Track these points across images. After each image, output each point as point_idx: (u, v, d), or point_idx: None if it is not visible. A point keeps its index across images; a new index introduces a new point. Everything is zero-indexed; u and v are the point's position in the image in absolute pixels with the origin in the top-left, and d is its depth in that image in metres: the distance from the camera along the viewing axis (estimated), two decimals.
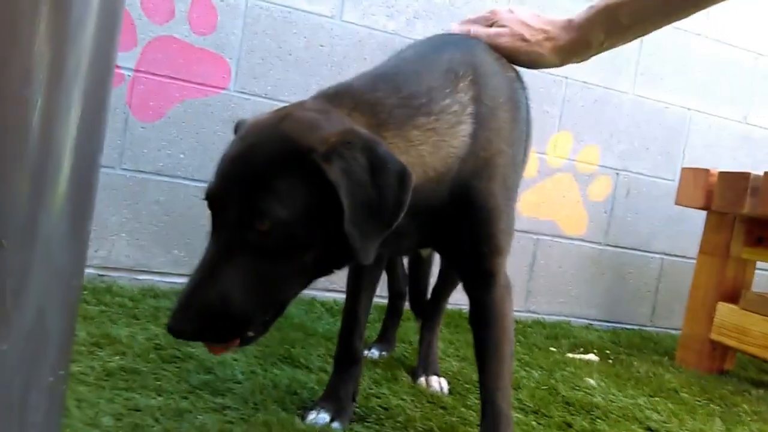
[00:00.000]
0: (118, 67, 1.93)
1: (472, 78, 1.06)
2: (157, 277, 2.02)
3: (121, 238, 1.98)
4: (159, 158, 2.00)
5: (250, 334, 0.92)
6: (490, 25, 1.24)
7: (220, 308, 0.86)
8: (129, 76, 1.95)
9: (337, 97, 0.97)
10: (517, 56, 1.22)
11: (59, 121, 0.72)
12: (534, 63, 1.24)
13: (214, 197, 0.90)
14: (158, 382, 1.25)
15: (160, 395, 1.19)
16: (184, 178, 2.02)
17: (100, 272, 1.96)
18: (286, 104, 1.01)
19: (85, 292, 1.75)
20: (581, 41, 1.20)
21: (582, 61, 1.26)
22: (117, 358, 1.34)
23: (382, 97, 0.97)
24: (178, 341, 1.47)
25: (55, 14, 0.69)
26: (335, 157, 0.84)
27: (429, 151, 0.98)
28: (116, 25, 0.82)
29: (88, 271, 1.93)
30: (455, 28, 1.28)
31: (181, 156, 2.02)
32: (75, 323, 0.83)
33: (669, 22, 1.20)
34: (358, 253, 0.86)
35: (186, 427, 1.08)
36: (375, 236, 0.88)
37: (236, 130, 0.99)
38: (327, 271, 0.96)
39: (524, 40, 1.20)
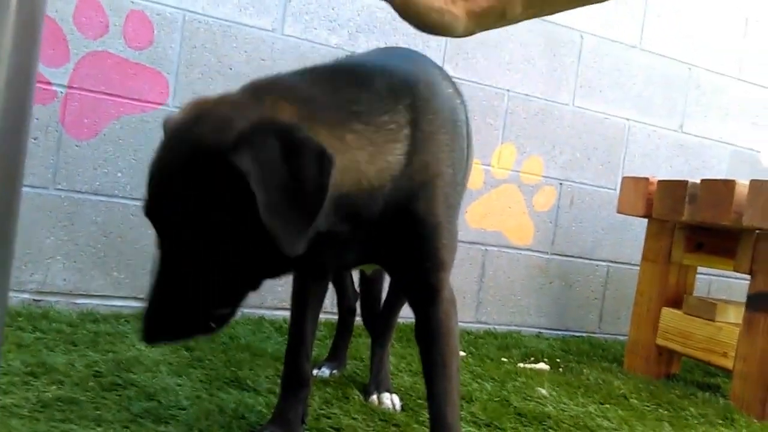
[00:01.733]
0: (50, 83, 1.85)
1: (411, 103, 1.03)
2: (96, 301, 1.94)
3: (57, 261, 1.89)
4: (95, 177, 1.93)
5: (213, 325, 0.94)
6: None
7: (182, 305, 0.90)
8: (62, 92, 1.88)
9: (264, 88, 0.94)
10: (428, 14, 1.05)
11: None
12: (446, 26, 1.08)
13: (148, 213, 0.90)
14: (98, 412, 1.19)
15: (99, 425, 1.14)
16: (123, 197, 1.95)
17: (36, 297, 1.87)
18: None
19: (20, 319, 1.67)
20: (497, 9, 1.07)
21: (490, 29, 1.14)
22: (53, 387, 1.27)
23: (318, 94, 0.95)
24: (119, 367, 1.42)
25: None
26: (243, 146, 0.82)
27: (365, 159, 0.96)
28: (35, 41, 0.78)
29: (22, 296, 1.84)
30: None
31: (119, 174, 1.95)
32: (1, 354, 0.78)
33: (587, 3, 1.12)
34: (281, 243, 0.83)
35: None
36: (299, 225, 0.84)
37: (164, 128, 0.97)
38: (275, 268, 0.95)
39: None
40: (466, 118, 1.26)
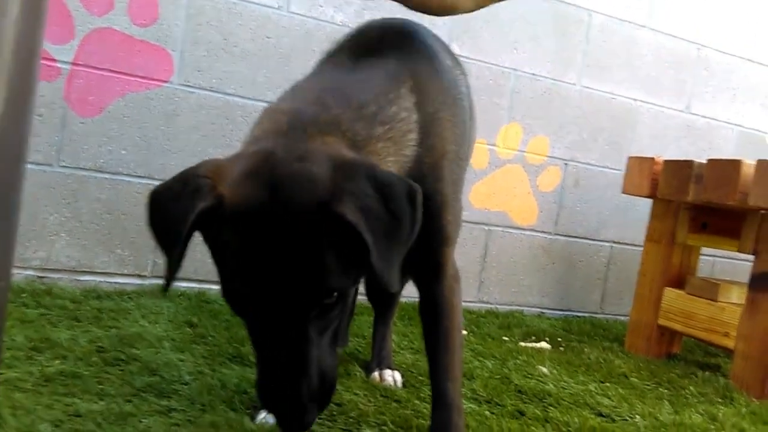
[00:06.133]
0: (54, 60, 1.85)
1: (412, 84, 1.02)
2: (99, 278, 1.95)
3: (61, 238, 1.91)
4: (99, 154, 1.93)
5: None
6: None
7: (325, 385, 0.85)
8: (66, 69, 1.88)
9: (297, 128, 0.88)
10: (429, 2, 1.04)
11: None
12: (448, 9, 1.09)
13: (262, 296, 0.80)
14: (100, 386, 1.20)
15: (102, 399, 1.15)
16: (127, 175, 1.96)
17: (40, 274, 1.88)
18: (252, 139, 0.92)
19: (23, 295, 1.69)
20: None
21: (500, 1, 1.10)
22: (57, 362, 1.29)
23: (339, 114, 0.92)
24: (122, 343, 1.43)
25: None
26: (346, 197, 0.79)
27: (393, 160, 0.96)
28: (41, 12, 0.78)
29: (26, 272, 1.86)
30: None
31: (123, 152, 1.96)
32: (4, 327, 0.79)
33: None
34: (387, 282, 0.82)
35: (129, 431, 1.04)
36: (397, 262, 0.84)
37: (156, 199, 0.86)
38: None
39: None
40: (467, 89, 1.25)
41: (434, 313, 1.14)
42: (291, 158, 0.82)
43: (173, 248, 0.81)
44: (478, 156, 2.42)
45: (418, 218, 0.85)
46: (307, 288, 0.79)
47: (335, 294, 0.82)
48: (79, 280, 1.93)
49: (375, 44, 1.11)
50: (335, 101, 0.94)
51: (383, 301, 1.64)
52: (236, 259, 0.80)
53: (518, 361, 1.77)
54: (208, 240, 0.85)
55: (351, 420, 1.23)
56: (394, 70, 1.03)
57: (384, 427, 1.21)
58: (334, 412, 1.25)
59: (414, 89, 1.02)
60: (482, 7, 1.09)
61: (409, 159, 1.00)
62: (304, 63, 2.15)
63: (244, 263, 0.79)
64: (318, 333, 0.83)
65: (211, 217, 0.79)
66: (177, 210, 0.80)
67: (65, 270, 1.92)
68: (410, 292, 1.56)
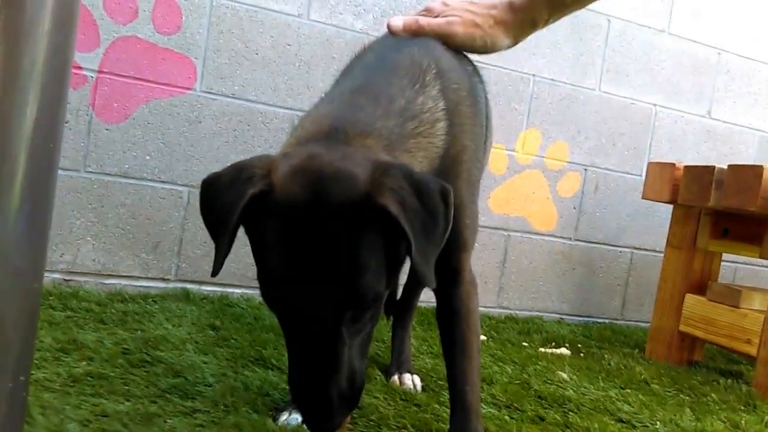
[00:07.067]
0: (80, 68, 1.89)
1: (436, 71, 1.04)
2: (124, 281, 1.98)
3: (87, 242, 1.94)
4: (124, 160, 1.97)
5: None
6: (435, 17, 1.21)
7: (354, 387, 0.86)
8: (92, 77, 1.91)
9: (338, 130, 0.91)
10: (473, 43, 1.19)
11: (14, 122, 0.70)
12: (490, 47, 1.22)
13: (300, 292, 0.81)
14: (126, 387, 1.23)
15: (128, 400, 1.17)
16: (151, 180, 1.99)
17: (66, 277, 1.92)
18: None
19: (50, 298, 1.72)
20: (527, 21, 1.21)
21: (527, 37, 1.27)
22: (84, 363, 1.31)
23: (372, 113, 0.94)
24: (147, 345, 1.46)
25: (7, 12, 0.67)
26: (386, 191, 0.80)
27: (423, 155, 0.97)
28: (72, 22, 0.80)
29: (53, 276, 1.89)
30: (396, 22, 1.19)
31: (147, 158, 1.99)
32: (36, 328, 0.81)
33: None
34: (425, 279, 0.84)
35: (155, 431, 1.06)
36: (433, 259, 0.86)
37: (209, 187, 0.87)
38: None
39: (477, 25, 1.18)
40: (485, 96, 1.26)
41: (451, 318, 1.14)
42: (334, 158, 0.84)
43: (223, 234, 0.82)
44: (497, 161, 2.43)
45: (450, 217, 0.86)
46: (344, 286, 0.80)
47: (370, 298, 0.83)
48: (104, 283, 1.96)
49: (399, 41, 1.14)
50: (367, 100, 0.96)
51: (401, 306, 1.65)
52: (277, 253, 0.81)
53: (538, 367, 1.77)
54: (251, 232, 0.86)
55: (371, 423, 1.24)
56: (418, 57, 1.05)
57: (404, 431, 1.22)
58: (354, 415, 1.26)
59: (438, 75, 1.04)
60: (519, 42, 1.26)
61: (440, 149, 1.01)
62: (324, 70, 2.19)
63: (285, 258, 0.81)
64: (350, 336, 0.83)
65: (259, 205, 0.81)
66: (229, 196, 0.81)
67: (91, 273, 1.95)
68: (429, 297, 1.57)
